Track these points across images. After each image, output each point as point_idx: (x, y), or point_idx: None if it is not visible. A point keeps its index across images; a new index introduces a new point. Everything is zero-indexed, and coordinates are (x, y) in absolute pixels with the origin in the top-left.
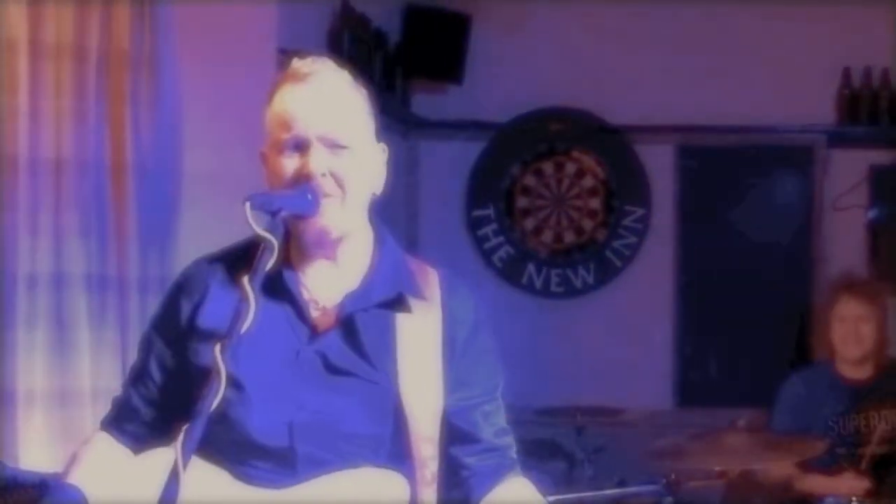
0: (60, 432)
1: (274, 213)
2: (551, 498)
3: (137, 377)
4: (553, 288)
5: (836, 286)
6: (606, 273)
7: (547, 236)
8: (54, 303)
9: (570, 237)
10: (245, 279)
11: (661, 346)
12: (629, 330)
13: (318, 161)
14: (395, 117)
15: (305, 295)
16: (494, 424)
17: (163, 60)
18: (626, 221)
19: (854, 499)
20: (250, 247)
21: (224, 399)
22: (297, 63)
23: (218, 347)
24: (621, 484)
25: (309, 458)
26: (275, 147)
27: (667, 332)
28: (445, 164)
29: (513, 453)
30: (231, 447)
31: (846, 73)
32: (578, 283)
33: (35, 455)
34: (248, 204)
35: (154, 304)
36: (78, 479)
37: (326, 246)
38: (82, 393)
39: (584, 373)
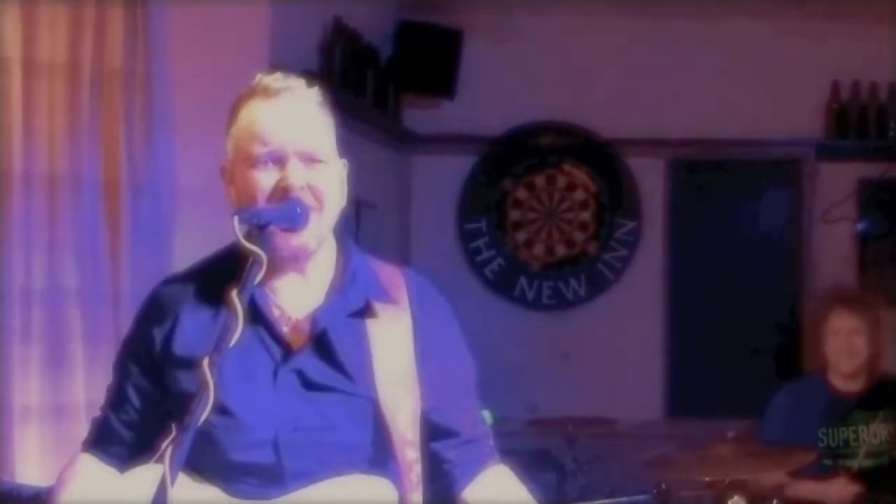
0: (56, 446)
1: (262, 227)
2: None
3: (116, 402)
4: (545, 300)
5: (828, 299)
6: (598, 285)
7: (539, 249)
8: (49, 318)
9: (561, 250)
10: (234, 293)
11: (652, 358)
12: (620, 341)
13: (297, 174)
14: (387, 132)
15: (276, 312)
16: (472, 416)
17: (156, 77)
18: (618, 234)
19: None
20: (218, 262)
21: (208, 423)
22: (266, 79)
23: (206, 361)
24: (612, 494)
25: (297, 472)
26: (246, 161)
27: (657, 343)
28: (437, 177)
29: (491, 441)
30: (219, 467)
31: (835, 87)
32: (570, 296)
33: (31, 469)
34: (236, 218)
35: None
36: (68, 500)
37: (301, 260)
38: (77, 407)
39: (576, 384)
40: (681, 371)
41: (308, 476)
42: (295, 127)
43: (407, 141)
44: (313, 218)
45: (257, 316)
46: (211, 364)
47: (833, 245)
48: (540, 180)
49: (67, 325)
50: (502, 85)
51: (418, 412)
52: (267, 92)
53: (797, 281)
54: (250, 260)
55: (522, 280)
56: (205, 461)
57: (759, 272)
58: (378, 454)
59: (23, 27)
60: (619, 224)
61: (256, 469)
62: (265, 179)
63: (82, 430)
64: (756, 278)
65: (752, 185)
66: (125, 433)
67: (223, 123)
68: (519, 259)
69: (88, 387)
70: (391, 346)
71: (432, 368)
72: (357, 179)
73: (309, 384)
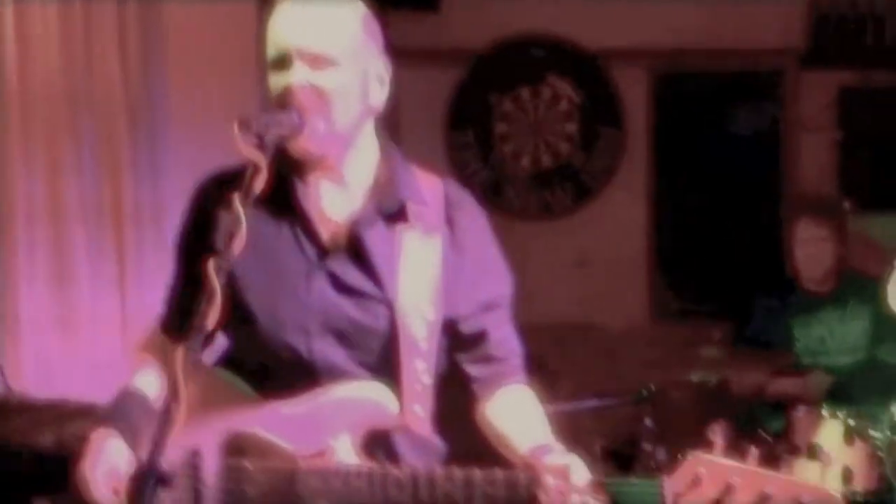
0: (61, 357)
1: (261, 135)
2: None
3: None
4: (532, 211)
5: (793, 209)
6: (583, 195)
7: (525, 161)
8: (52, 234)
9: (547, 161)
10: (236, 198)
11: (638, 264)
12: (606, 249)
13: (299, 75)
14: None
15: (315, 214)
16: (500, 332)
17: None
18: (602, 145)
19: (824, 411)
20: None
21: (244, 320)
22: None
23: (211, 265)
24: (602, 396)
25: (328, 369)
26: (267, 67)
27: (643, 250)
28: (424, 92)
29: (517, 360)
30: (259, 366)
31: None
32: (556, 206)
33: (38, 379)
34: (235, 125)
35: (148, 235)
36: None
37: (330, 164)
38: (81, 320)
39: (563, 291)
40: (666, 277)
41: (337, 375)
42: (301, 26)
43: (393, 56)
44: (316, 121)
45: (297, 215)
46: (217, 269)
47: (814, 153)
48: (525, 93)
49: (71, 240)
50: None
51: (438, 323)
52: None
53: (779, 189)
54: (250, 168)
55: (510, 191)
56: (249, 360)
57: (741, 180)
58: (387, 362)
59: None
60: (603, 134)
61: (287, 365)
62: (276, 83)
63: (85, 341)
64: (739, 186)
65: (734, 95)
66: (174, 314)
67: (215, 43)
68: (506, 171)
69: (92, 300)
70: (421, 253)
71: (463, 278)
72: None
73: (340, 286)
